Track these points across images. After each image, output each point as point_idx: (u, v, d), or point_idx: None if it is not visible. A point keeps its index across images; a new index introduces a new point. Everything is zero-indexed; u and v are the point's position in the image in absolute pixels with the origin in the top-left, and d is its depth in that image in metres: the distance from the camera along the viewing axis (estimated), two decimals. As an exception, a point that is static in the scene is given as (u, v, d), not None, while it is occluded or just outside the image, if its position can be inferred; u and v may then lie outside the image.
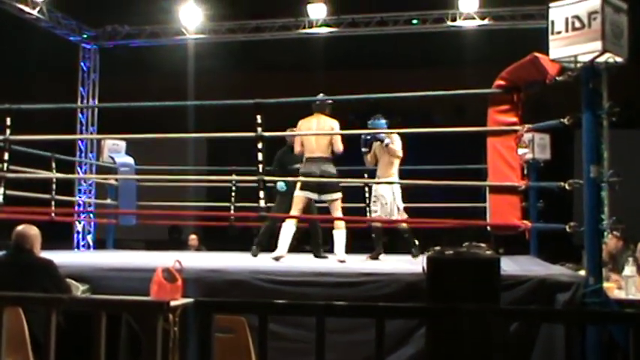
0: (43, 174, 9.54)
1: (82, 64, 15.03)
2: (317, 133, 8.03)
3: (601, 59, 5.56)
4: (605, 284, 5.79)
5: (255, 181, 7.35)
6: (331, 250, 8.17)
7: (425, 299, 4.84)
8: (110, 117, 14.98)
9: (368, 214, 9.94)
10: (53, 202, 9.77)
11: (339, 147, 7.99)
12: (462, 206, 10.24)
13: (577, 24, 5.52)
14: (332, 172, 8.03)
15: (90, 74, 15.06)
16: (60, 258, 6.44)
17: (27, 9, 12.85)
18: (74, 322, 5.18)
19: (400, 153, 8.66)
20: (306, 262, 7.73)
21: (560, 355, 4.75)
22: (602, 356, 5.07)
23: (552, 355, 5.18)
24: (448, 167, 10.65)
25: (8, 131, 7.87)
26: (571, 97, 5.92)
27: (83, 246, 14.31)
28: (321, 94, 8.30)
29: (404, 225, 8.71)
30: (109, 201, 11.39)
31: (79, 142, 14.78)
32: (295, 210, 8.04)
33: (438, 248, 4.97)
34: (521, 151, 6.64)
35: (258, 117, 7.24)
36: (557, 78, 5.85)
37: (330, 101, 8.25)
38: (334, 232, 8.11)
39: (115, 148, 11.46)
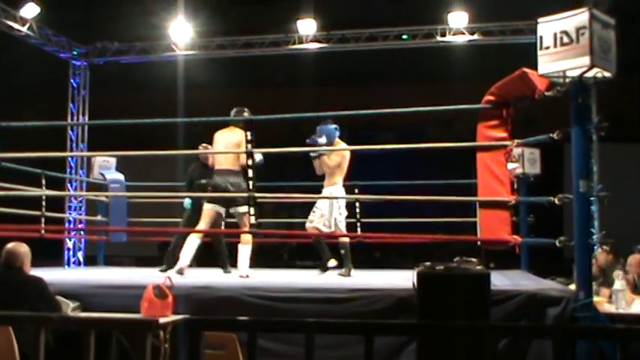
0: (33, 191, 9.51)
1: (72, 80, 14.99)
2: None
3: (589, 74, 5.59)
4: (596, 298, 5.80)
5: (246, 198, 7.36)
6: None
7: (416, 314, 4.84)
8: (100, 133, 14.95)
9: (358, 229, 9.95)
10: (43, 219, 9.72)
11: (243, 161, 7.74)
12: (453, 221, 10.24)
13: (565, 39, 5.55)
14: (240, 184, 7.80)
15: (80, 91, 15.02)
16: (50, 275, 6.43)
17: (17, 26, 12.84)
18: (64, 339, 5.17)
19: (331, 167, 8.31)
20: (296, 278, 7.72)
21: (551, 370, 4.76)
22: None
23: (543, 370, 5.19)
24: (438, 182, 10.66)
25: (-2, 149, 7.87)
26: (560, 111, 5.94)
27: (74, 263, 14.25)
28: (235, 109, 8.19)
29: (344, 240, 8.42)
30: (99, 218, 11.37)
31: (70, 158, 14.74)
32: (203, 223, 7.96)
33: (428, 263, 4.97)
34: (511, 165, 6.66)
35: (248, 133, 7.24)
36: (546, 93, 5.88)
37: (245, 114, 8.08)
38: (239, 246, 7.95)
39: (106, 165, 11.44)
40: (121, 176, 11.33)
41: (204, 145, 8.96)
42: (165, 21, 13.77)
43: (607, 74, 5.65)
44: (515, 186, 8.93)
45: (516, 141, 6.48)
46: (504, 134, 6.45)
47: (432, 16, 13.37)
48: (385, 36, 13.75)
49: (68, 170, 14.50)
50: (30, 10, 12.75)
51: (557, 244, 5.96)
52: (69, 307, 5.88)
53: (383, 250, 16.34)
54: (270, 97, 15.70)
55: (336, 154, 8.30)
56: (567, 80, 5.67)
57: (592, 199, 5.73)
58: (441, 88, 15.14)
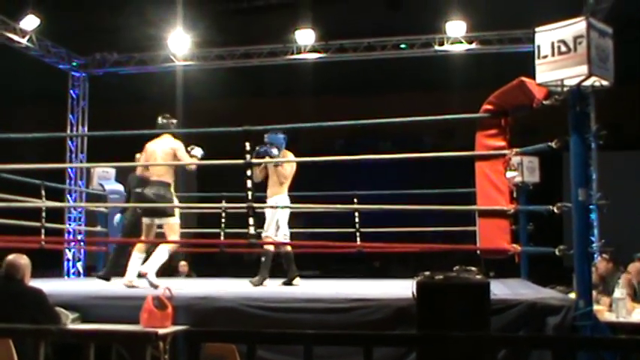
0: (33, 202, 9.51)
1: (71, 91, 15.04)
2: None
3: (587, 83, 5.59)
4: (596, 307, 5.79)
5: (245, 208, 7.35)
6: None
7: (415, 324, 4.83)
8: (100, 144, 14.95)
9: (358, 239, 9.93)
10: (43, 230, 9.73)
11: (192, 166, 7.90)
12: (452, 230, 10.23)
13: (563, 48, 5.55)
14: (166, 195, 7.79)
15: (79, 102, 15.06)
16: (50, 286, 6.43)
17: (16, 37, 12.89)
18: (64, 352, 5.17)
19: (288, 176, 8.41)
20: (295, 289, 7.71)
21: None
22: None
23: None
24: (437, 191, 10.65)
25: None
26: (559, 120, 5.95)
27: (73, 273, 14.25)
28: (161, 118, 8.25)
29: (287, 249, 8.42)
30: (99, 228, 11.37)
31: (69, 169, 14.74)
32: (145, 236, 7.93)
33: (428, 273, 4.96)
34: (510, 174, 6.64)
35: (247, 144, 7.24)
36: (544, 102, 5.88)
37: (173, 122, 8.18)
38: (156, 250, 7.77)
39: (105, 176, 11.45)
40: (120, 187, 11.32)
41: (137, 156, 8.92)
42: (164, 32, 13.81)
43: (605, 83, 5.64)
44: (515, 195, 8.89)
45: (515, 150, 6.48)
46: (503, 143, 6.45)
47: (430, 26, 13.40)
48: (383, 45, 13.79)
49: (68, 181, 14.52)
50: (30, 22, 12.79)
51: (557, 252, 5.95)
52: (68, 319, 5.88)
53: (383, 259, 16.32)
54: (268, 107, 15.72)
55: (289, 165, 8.43)
56: (565, 89, 5.66)
57: (591, 207, 5.72)
58: (440, 96, 15.16)
